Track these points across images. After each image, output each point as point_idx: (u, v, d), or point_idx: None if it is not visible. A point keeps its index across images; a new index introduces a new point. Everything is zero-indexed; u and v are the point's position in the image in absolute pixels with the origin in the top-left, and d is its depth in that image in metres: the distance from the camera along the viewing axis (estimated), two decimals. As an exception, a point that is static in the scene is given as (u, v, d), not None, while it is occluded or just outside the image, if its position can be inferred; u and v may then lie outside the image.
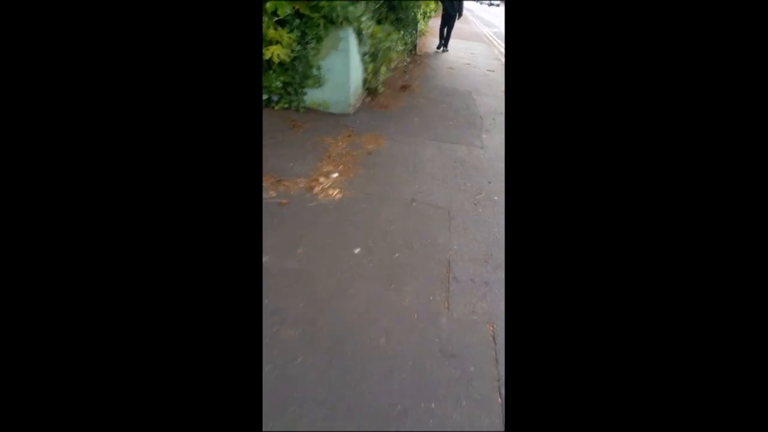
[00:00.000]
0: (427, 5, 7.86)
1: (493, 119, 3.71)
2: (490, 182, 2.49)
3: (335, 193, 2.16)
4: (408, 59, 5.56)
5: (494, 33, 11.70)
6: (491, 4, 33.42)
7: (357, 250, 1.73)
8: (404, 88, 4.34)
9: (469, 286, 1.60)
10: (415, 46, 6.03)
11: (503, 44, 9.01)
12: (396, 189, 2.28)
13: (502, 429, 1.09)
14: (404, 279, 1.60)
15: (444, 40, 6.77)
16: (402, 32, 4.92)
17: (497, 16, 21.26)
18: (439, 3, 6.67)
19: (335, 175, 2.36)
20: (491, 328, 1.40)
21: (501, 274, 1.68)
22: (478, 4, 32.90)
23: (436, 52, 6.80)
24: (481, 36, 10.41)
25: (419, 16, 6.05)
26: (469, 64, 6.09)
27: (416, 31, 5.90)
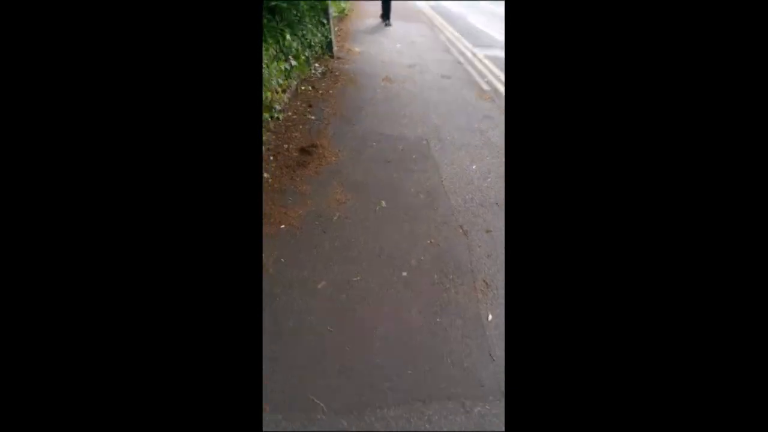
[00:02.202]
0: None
1: (488, 231, 1.86)
2: None
3: None
4: (320, 70, 3.48)
5: (431, 6, 9.68)
6: None
7: None
8: (307, 153, 2.32)
9: None
10: (330, 45, 3.91)
11: (450, 26, 7.10)
12: None
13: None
14: None
15: (386, 16, 6.09)
16: (301, 32, 2.79)
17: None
18: None
19: None
20: None
21: None
22: None
23: (383, 23, 6.13)
24: (419, 14, 8.34)
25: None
26: (412, 66, 4.15)
27: (329, 23, 3.76)
